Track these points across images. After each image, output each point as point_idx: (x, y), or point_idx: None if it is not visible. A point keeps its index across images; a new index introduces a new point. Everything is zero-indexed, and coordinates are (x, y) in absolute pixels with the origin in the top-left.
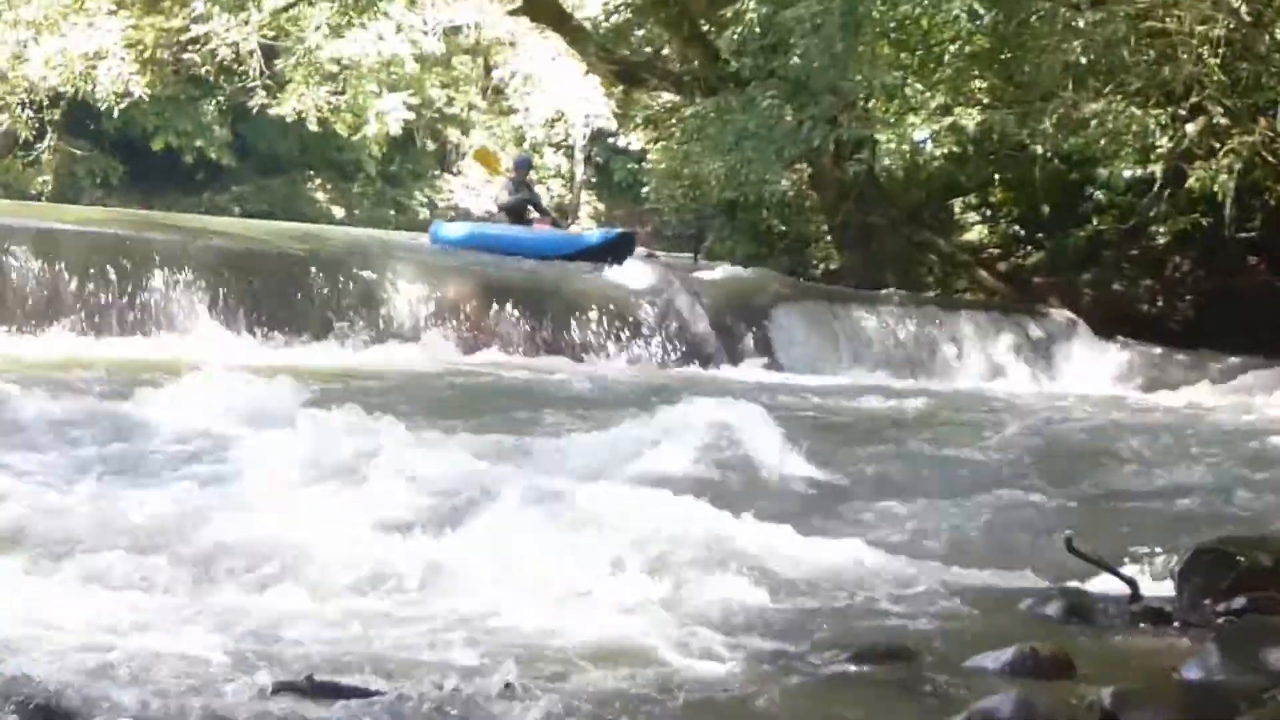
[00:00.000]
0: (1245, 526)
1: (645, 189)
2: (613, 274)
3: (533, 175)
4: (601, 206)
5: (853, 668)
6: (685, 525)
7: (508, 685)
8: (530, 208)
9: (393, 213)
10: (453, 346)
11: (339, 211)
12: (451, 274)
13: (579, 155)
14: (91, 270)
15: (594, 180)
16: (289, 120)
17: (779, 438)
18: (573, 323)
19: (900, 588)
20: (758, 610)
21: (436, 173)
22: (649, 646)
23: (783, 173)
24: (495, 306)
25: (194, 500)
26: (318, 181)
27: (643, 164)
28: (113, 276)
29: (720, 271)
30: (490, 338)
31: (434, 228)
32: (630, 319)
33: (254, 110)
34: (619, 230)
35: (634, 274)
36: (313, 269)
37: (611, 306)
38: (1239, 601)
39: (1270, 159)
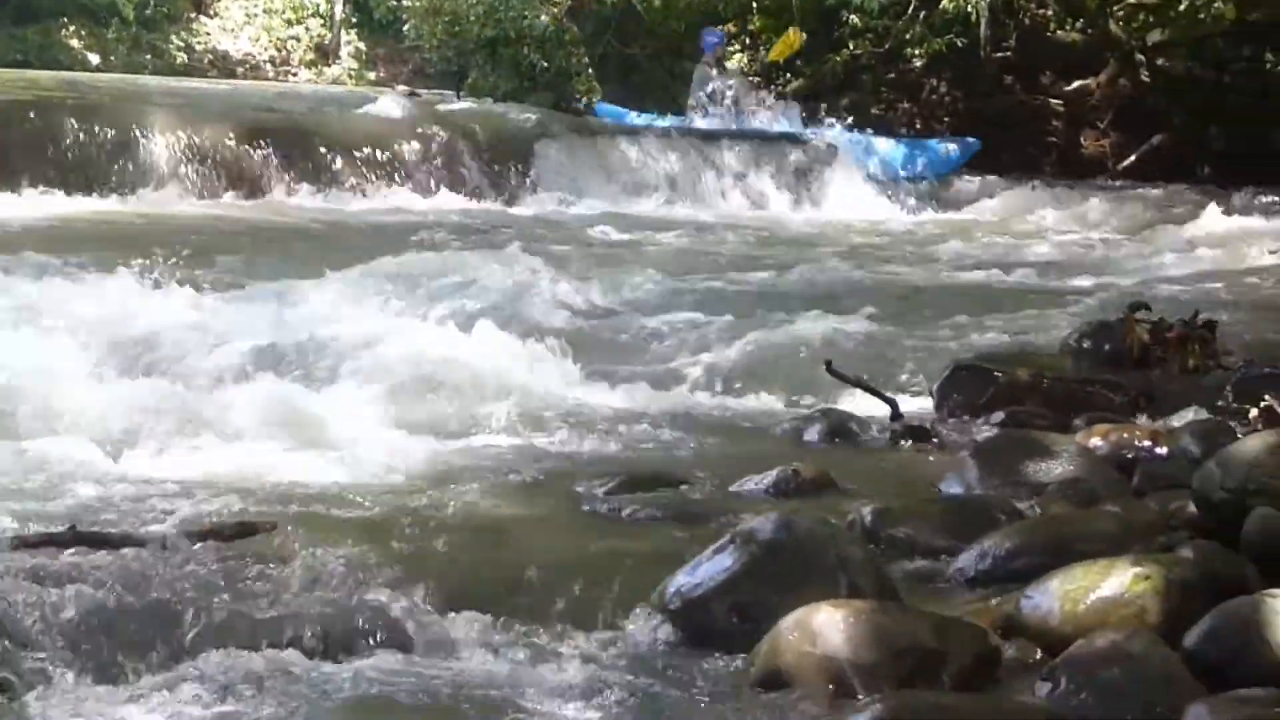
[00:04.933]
0: (1003, 343)
1: (406, 27)
2: (374, 111)
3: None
4: (363, 46)
5: (621, 497)
6: (453, 363)
7: (272, 527)
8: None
9: (149, 57)
10: (212, 190)
11: (95, 59)
12: (207, 117)
13: None
14: None
15: (354, 19)
16: None
17: (545, 270)
18: (336, 163)
19: (666, 416)
20: (524, 443)
21: (192, 15)
22: (419, 486)
23: (541, 7)
24: (255, 148)
25: None
26: (72, 29)
27: (402, 1)
28: None
29: (483, 107)
30: (252, 180)
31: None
32: (394, 158)
33: None
34: (971, 140)
35: (397, 111)
36: (66, 118)
37: (375, 146)
38: (997, 416)
39: None
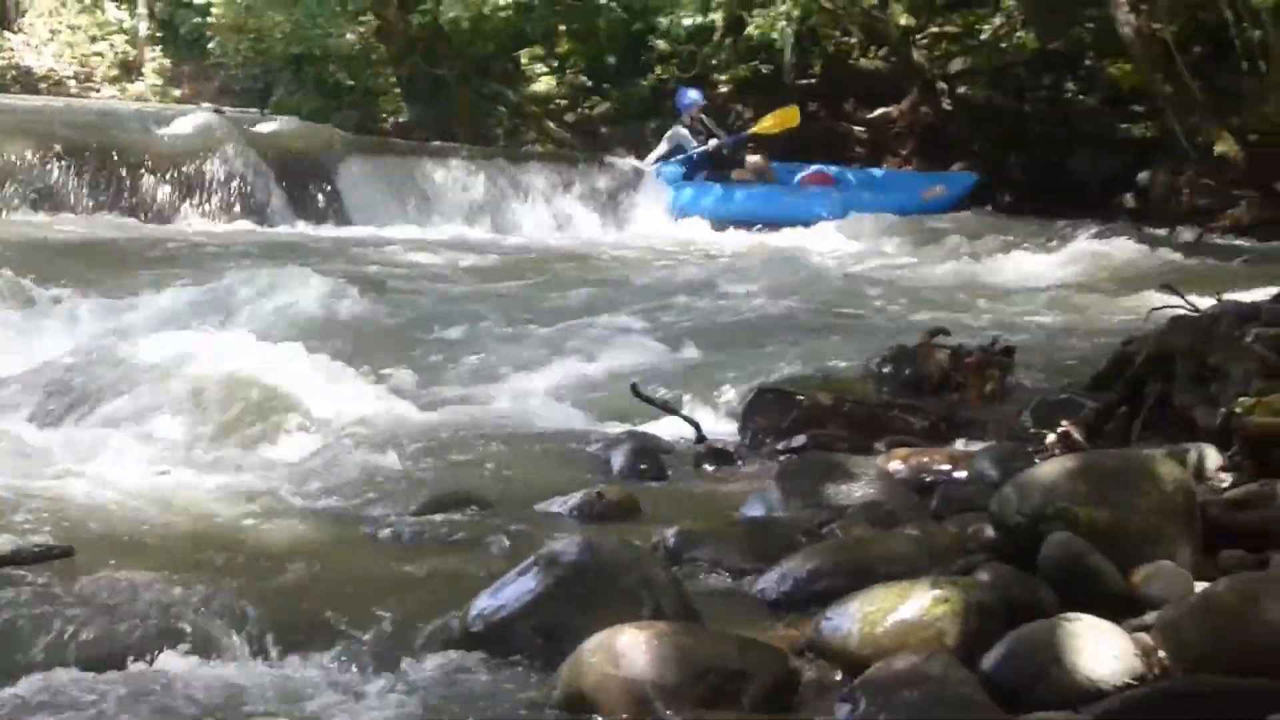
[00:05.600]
0: (807, 367)
1: (211, 44)
2: (177, 129)
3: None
4: (168, 62)
5: (424, 519)
6: (255, 384)
7: (68, 552)
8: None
9: None
10: (11, 207)
11: None
12: (3, 131)
13: (141, 9)
14: None
15: (159, 35)
16: None
17: (351, 291)
18: (136, 180)
19: (473, 438)
20: (329, 466)
21: None
22: (219, 509)
23: (348, 25)
24: (53, 164)
25: None
26: None
27: (208, 18)
28: None
29: (287, 126)
30: (49, 197)
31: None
32: (195, 177)
33: None
34: (970, 175)
35: (198, 129)
36: None
37: (175, 164)
38: (799, 439)
39: (828, 6)
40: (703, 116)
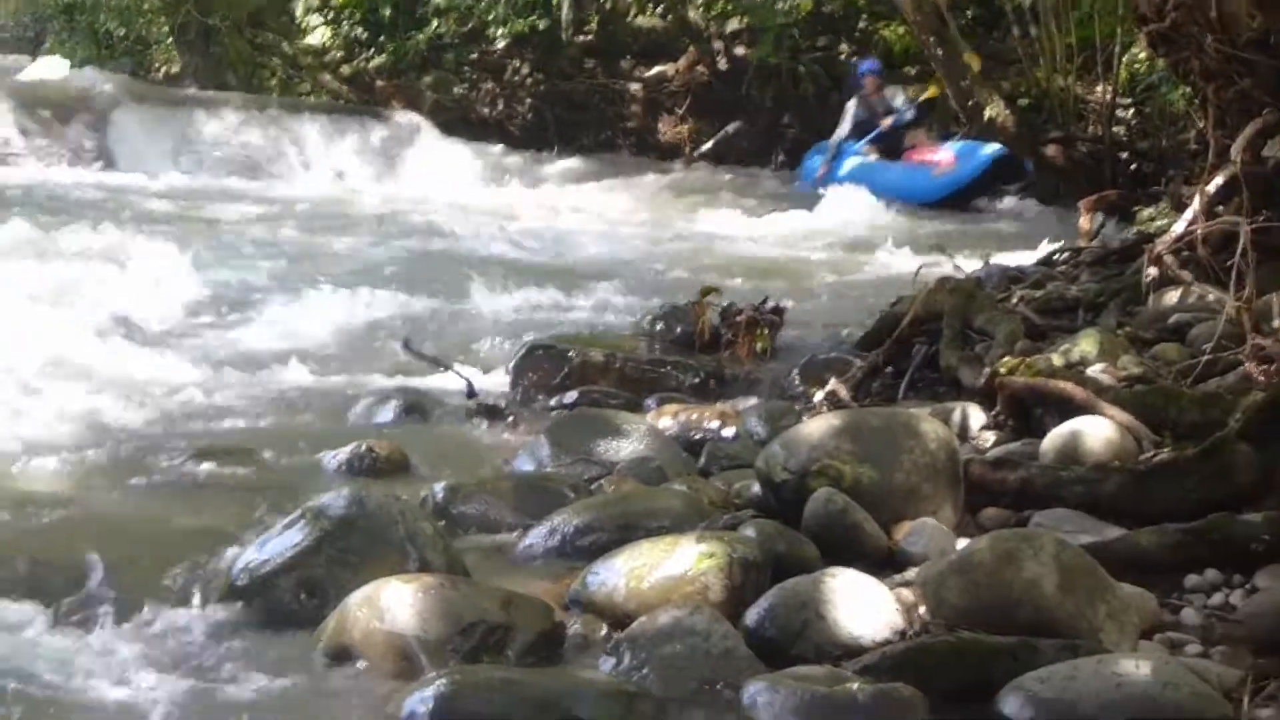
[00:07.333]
0: (579, 322)
1: None
2: None
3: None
4: None
5: (195, 469)
6: (21, 338)
7: None
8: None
9: None
10: None
11: None
12: None
13: None
14: None
15: None
16: None
17: (121, 243)
18: None
19: (246, 390)
20: (103, 417)
21: None
22: None
23: None
24: None
25: None
26: None
27: None
28: None
29: (57, 73)
30: None
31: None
32: None
33: None
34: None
35: None
36: None
37: None
38: (570, 395)
39: None
40: (881, 93)
